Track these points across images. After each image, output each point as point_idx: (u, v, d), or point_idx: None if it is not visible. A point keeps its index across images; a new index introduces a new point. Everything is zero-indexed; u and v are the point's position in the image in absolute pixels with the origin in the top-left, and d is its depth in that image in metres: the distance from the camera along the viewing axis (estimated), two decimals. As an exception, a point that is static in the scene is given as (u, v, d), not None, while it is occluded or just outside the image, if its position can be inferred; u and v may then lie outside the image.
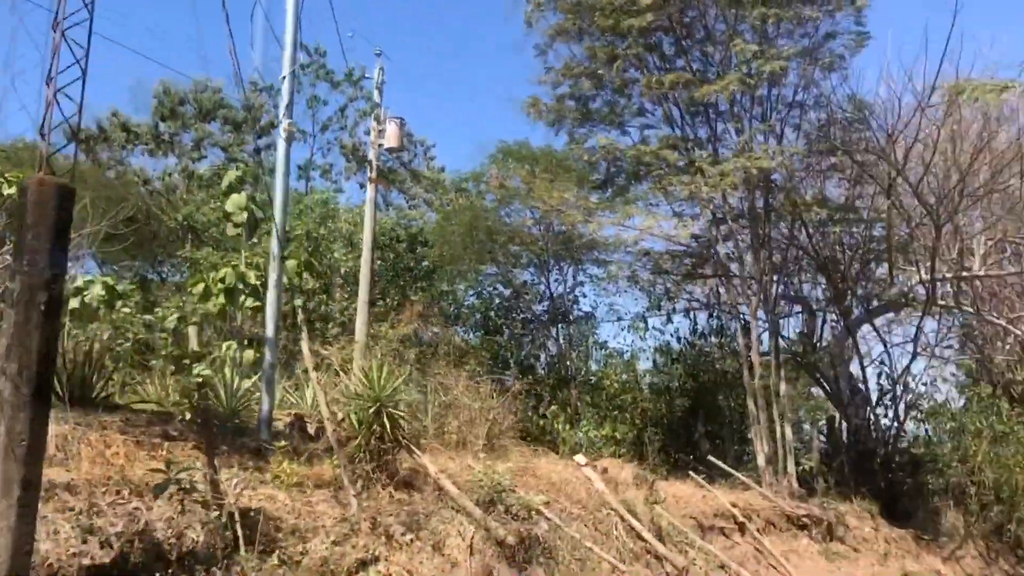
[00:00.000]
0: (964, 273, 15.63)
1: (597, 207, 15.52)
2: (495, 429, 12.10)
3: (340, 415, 9.50)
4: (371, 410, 8.85)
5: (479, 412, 11.90)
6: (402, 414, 9.19)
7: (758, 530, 12.73)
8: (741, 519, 12.54)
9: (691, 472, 13.36)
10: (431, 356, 15.22)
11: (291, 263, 10.32)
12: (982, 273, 16.02)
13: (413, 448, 9.27)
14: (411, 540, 8.06)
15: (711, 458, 14.31)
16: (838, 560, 13.06)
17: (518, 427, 14.59)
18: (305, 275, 17.00)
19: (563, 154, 17.82)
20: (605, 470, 11.97)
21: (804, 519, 13.42)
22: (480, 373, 14.79)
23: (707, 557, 11.17)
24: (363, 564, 7.38)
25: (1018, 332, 17.26)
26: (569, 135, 16.40)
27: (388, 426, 8.80)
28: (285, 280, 10.54)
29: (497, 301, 20.70)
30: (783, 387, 14.81)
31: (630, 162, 15.32)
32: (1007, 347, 19.57)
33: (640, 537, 10.39)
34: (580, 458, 11.41)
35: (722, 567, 11.23)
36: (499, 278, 20.92)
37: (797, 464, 14.78)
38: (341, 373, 11.08)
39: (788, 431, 14.54)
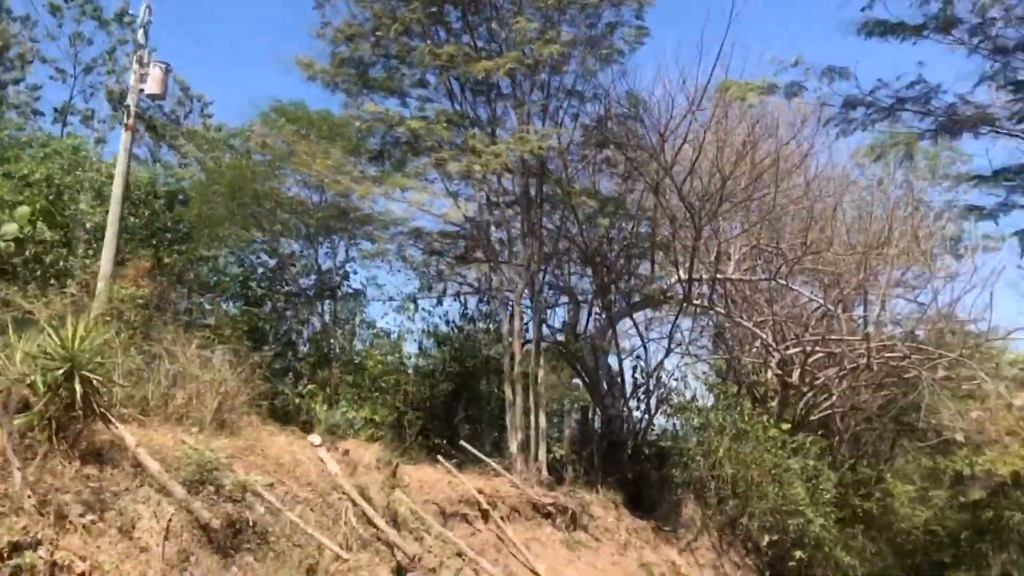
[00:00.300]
0: (719, 276, 16.29)
1: (365, 177, 14.78)
2: (228, 404, 11.05)
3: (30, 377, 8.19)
4: (60, 372, 7.66)
5: (210, 384, 10.82)
6: (99, 378, 8.03)
7: (502, 518, 12.51)
8: (486, 506, 12.27)
9: (439, 457, 12.92)
10: (172, 323, 13.85)
11: (23, 210, 8.91)
12: (735, 277, 16.79)
13: (111, 418, 8.12)
14: (92, 522, 7.00)
15: (463, 443, 13.97)
16: (579, 549, 13.10)
17: (268, 405, 13.64)
18: (41, 225, 15.13)
19: (342, 119, 16.90)
20: (347, 452, 11.29)
21: (550, 508, 13.37)
22: (234, 345, 13.74)
23: (445, 544, 10.76)
24: (17, 548, 6.26)
25: (763, 336, 18.27)
26: (345, 100, 15.54)
27: (80, 392, 7.65)
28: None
29: (261, 271, 19.42)
30: (541, 374, 14.75)
31: (406, 134, 14.68)
32: (754, 349, 20.76)
33: (372, 523, 9.80)
34: (315, 438, 10.65)
35: (460, 555, 10.86)
36: (265, 247, 19.63)
37: (549, 452, 14.77)
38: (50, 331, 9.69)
39: (543, 419, 14.48)
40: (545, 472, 14.10)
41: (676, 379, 17.53)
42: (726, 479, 16.95)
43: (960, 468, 29.40)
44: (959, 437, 22.61)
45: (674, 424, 17.74)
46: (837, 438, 22.78)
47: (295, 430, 13.50)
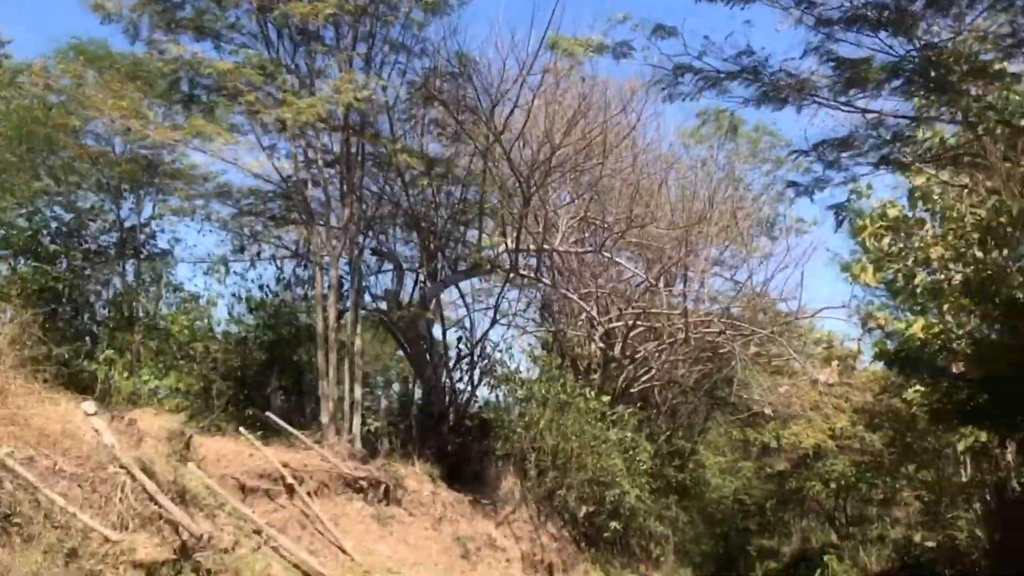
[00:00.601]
0: (546, 247, 16.09)
1: (165, 125, 13.48)
2: (-9, 367, 9.71)
3: None
4: None
5: (-34, 346, 9.46)
6: None
7: (309, 493, 11.77)
8: (291, 480, 11.49)
9: (241, 429, 11.99)
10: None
11: None
12: (562, 248, 16.66)
13: None
14: None
15: (270, 414, 13.08)
16: (392, 524, 12.55)
17: (57, 371, 12.20)
18: None
19: (146, 61, 15.35)
20: (133, 422, 10.17)
21: (361, 482, 12.72)
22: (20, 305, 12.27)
23: (241, 522, 9.93)
24: None
25: (588, 308, 18.31)
26: (149, 40, 14.09)
27: None
28: None
29: (55, 225, 17.52)
30: (358, 343, 14.03)
31: (216, 80, 13.46)
32: (579, 322, 20.87)
33: (154, 500, 8.82)
34: (88, 406, 9.49)
35: (258, 532, 10.06)
36: (60, 199, 17.72)
37: (364, 425, 14.10)
38: None
39: (358, 390, 13.80)
40: (359, 445, 13.43)
41: (501, 350, 17.26)
42: (547, 451, 16.87)
43: (767, 440, 31.00)
44: (768, 411, 23.69)
45: (497, 396, 17.51)
46: (655, 410, 23.38)
47: (86, 398, 12.23)
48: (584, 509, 16.76)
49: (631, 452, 18.43)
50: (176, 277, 18.53)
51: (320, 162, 14.45)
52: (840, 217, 15.47)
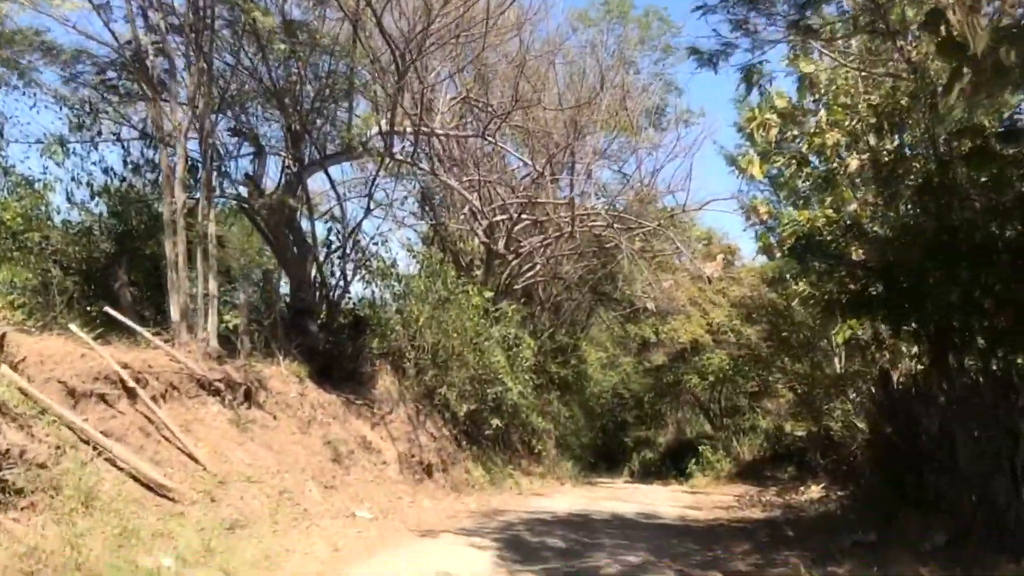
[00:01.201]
0: (424, 129, 14.70)
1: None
2: None
3: None
4: None
5: None
6: None
7: (155, 396, 10.36)
8: (132, 384, 10.05)
9: (72, 326, 10.40)
10: None
11: None
12: (442, 132, 15.30)
13: None
14: None
15: (108, 309, 11.50)
16: (252, 429, 11.34)
17: None
18: None
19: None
20: (-70, 319, 8.51)
21: (217, 383, 11.39)
22: None
23: (67, 431, 8.52)
24: None
25: (468, 196, 17.13)
26: None
27: None
28: None
29: None
30: (212, 231, 12.44)
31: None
32: (462, 216, 19.72)
33: (-56, 409, 7.33)
34: None
35: (87, 442, 8.68)
36: None
37: (222, 322, 12.66)
38: None
39: (213, 284, 12.29)
40: (215, 344, 12.02)
41: (376, 243, 15.96)
42: (427, 348, 15.92)
43: (647, 335, 31.06)
44: (651, 306, 23.42)
45: (373, 292, 16.29)
46: (539, 306, 22.73)
47: None
48: (465, 407, 15.98)
49: (514, 349, 17.70)
50: (7, 158, 16.21)
51: (163, 26, 12.48)
52: (751, 83, 14.62)
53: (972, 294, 7.33)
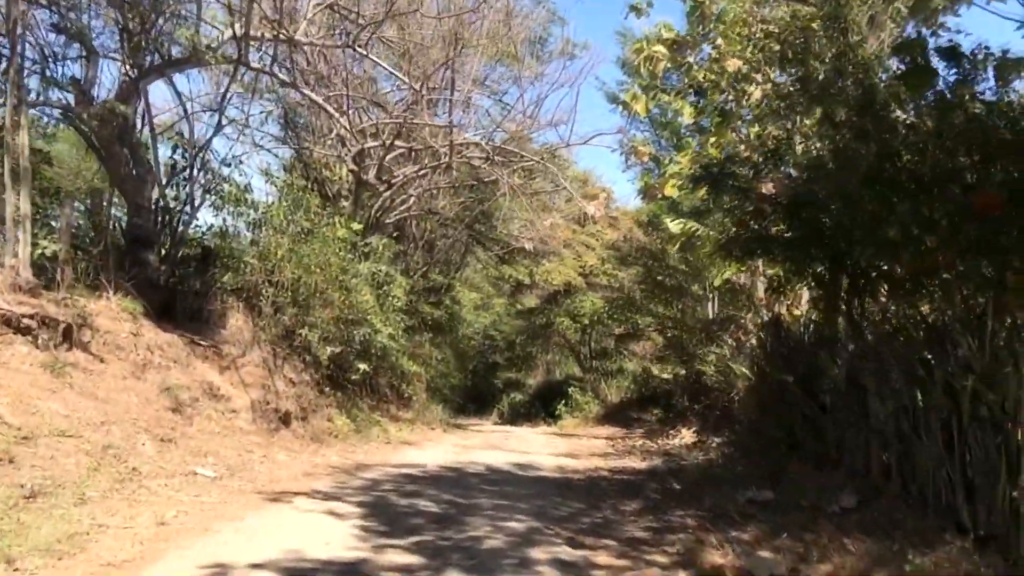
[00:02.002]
0: (284, 34, 12.79)
1: None
2: None
3: None
4: None
5: None
6: None
7: (-59, 336, 8.42)
8: (-92, 321, 8.08)
9: None
10: None
11: None
12: (305, 40, 13.41)
13: None
14: None
15: None
16: (71, 374, 9.50)
17: None
18: None
19: None
20: None
21: (28, 320, 9.46)
22: None
23: None
24: None
25: (337, 117, 15.33)
26: None
27: None
28: None
29: None
30: (24, 140, 10.28)
31: None
32: (329, 142, 17.86)
33: None
34: None
35: None
36: None
37: (36, 247, 10.58)
38: None
39: (25, 203, 10.19)
40: (27, 273, 10.00)
41: (229, 164, 14.01)
42: (286, 285, 14.22)
43: (521, 277, 30.17)
44: (527, 246, 22.35)
45: (225, 220, 14.36)
46: (412, 243, 21.26)
47: None
48: (328, 350, 14.45)
49: (384, 288, 16.23)
50: None
51: None
52: (639, 12, 13.55)
53: (911, 230, 6.49)
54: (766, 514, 8.01)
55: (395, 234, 20.00)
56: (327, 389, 14.87)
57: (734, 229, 9.71)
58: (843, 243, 8.00)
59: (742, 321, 18.26)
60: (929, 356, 6.58)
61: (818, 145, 8.66)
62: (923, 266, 6.52)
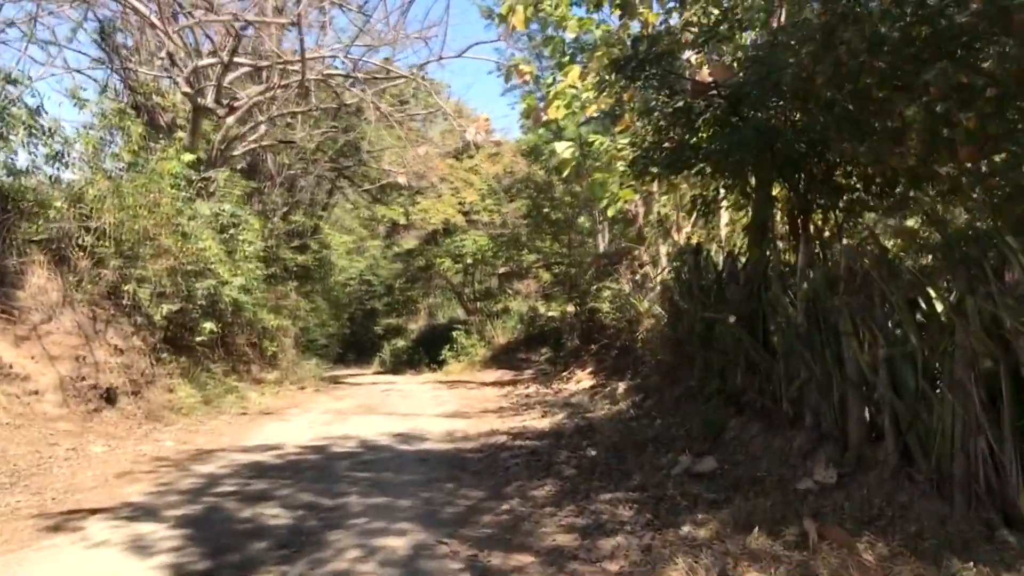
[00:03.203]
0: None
1: None
2: None
3: None
4: None
5: None
6: None
7: None
8: None
9: None
10: None
11: None
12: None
13: None
14: None
15: None
16: None
17: None
18: None
19: None
20: None
21: None
22: None
23: None
24: None
25: (161, 25, 12.32)
26: None
27: None
28: None
29: None
30: None
31: None
32: (158, 62, 14.68)
33: None
34: None
35: None
36: None
37: None
38: None
39: None
40: None
41: (17, 84, 10.86)
42: (107, 232, 11.36)
43: (396, 217, 27.67)
44: (401, 181, 19.83)
45: (17, 153, 11.23)
46: (268, 181, 18.35)
47: None
48: (164, 308, 11.75)
49: (232, 231, 13.51)
50: None
51: None
52: None
53: (932, 109, 4.60)
54: (715, 492, 6.16)
55: (247, 171, 17.14)
56: (167, 355, 12.17)
57: (651, 138, 7.66)
58: (802, 145, 6.06)
59: (636, 254, 16.54)
60: (948, 282, 4.75)
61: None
62: (934, 163, 4.64)
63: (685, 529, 5.36)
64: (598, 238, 19.59)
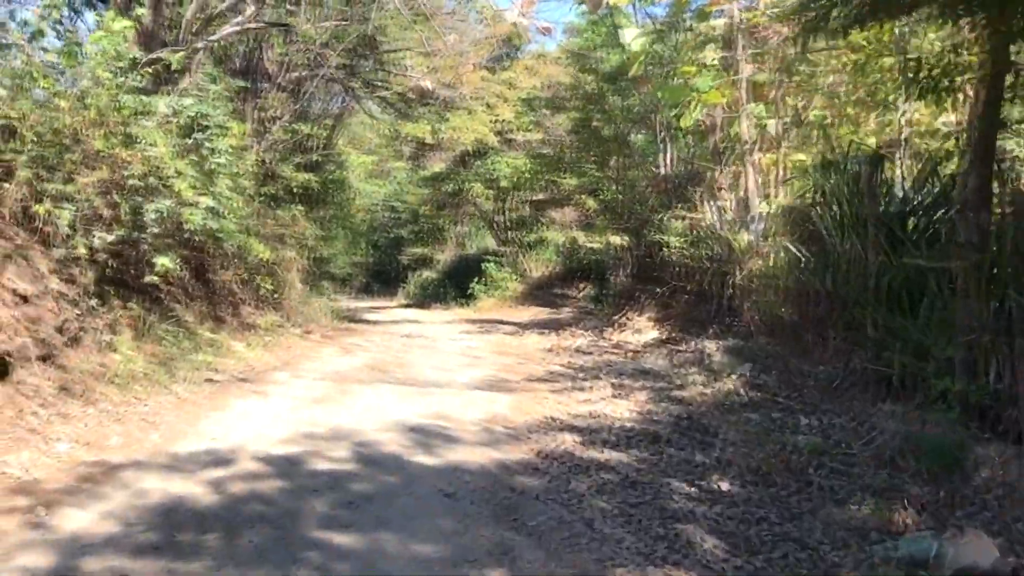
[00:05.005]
0: None
1: None
2: None
3: None
4: None
5: None
6: None
7: None
8: None
9: None
10: None
11: None
12: None
13: None
14: None
15: None
16: None
17: None
18: None
19: None
20: None
21: None
22: None
23: None
24: None
25: None
26: None
27: None
28: None
29: None
30: None
31: None
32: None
33: None
34: None
35: None
36: None
37: None
38: None
39: None
40: None
41: None
42: (12, 131, 7.80)
43: (423, 137, 23.79)
44: (427, 85, 15.89)
45: None
46: (268, 83, 14.54)
47: None
48: (98, 238, 8.18)
49: (198, 136, 9.76)
50: None
51: None
52: None
53: None
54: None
55: (237, 68, 13.39)
56: (110, 298, 8.63)
57: None
58: None
59: (718, 175, 12.68)
60: None
61: None
62: None
63: None
64: (659, 159, 15.66)
